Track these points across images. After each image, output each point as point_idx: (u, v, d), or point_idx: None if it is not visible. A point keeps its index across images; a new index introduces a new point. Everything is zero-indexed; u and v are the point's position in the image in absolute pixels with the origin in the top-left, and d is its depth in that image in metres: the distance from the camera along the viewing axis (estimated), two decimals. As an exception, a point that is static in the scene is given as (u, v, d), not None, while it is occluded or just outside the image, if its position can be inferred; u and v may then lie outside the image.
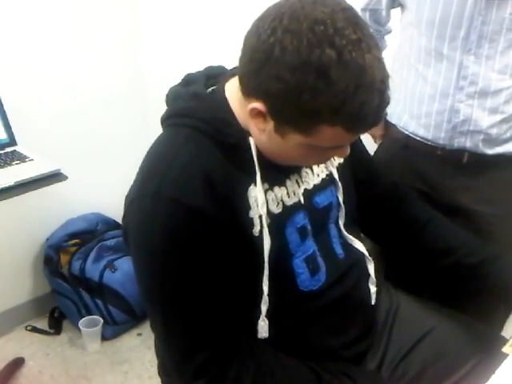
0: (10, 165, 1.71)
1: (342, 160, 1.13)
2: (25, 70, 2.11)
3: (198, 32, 2.32)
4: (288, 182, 1.01)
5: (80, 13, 2.21)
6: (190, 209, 0.88)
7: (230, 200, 0.92)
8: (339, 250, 1.11)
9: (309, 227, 1.04)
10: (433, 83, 1.42)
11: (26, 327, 2.37)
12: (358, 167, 1.18)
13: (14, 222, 2.23)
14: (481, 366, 1.11)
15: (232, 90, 0.94)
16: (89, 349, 2.26)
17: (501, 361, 0.93)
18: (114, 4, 2.33)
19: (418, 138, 1.50)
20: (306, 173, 1.05)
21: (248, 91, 0.87)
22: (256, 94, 0.85)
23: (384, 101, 0.82)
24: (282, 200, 0.99)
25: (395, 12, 1.58)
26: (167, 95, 1.02)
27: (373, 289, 1.17)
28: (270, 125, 0.87)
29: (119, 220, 0.97)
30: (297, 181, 1.03)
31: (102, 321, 2.25)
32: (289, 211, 1.00)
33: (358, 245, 1.14)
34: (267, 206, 0.96)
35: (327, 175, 1.09)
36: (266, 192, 0.96)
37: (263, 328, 1.00)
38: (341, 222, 1.11)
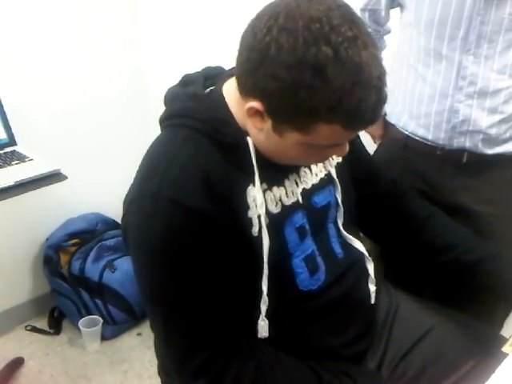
0: (9, 165, 1.71)
1: (340, 159, 1.13)
2: (24, 70, 2.11)
3: (197, 32, 2.32)
4: (287, 182, 1.01)
5: (80, 13, 2.21)
6: (188, 209, 0.88)
7: (228, 200, 0.92)
8: (338, 250, 1.11)
9: (307, 227, 1.04)
10: (432, 83, 1.42)
11: (26, 327, 2.37)
12: (357, 166, 1.18)
13: (13, 222, 2.24)
14: (481, 365, 1.10)
15: (230, 90, 0.94)
16: (88, 348, 2.26)
17: (501, 360, 0.93)
18: (113, 4, 2.33)
19: (417, 138, 1.51)
20: (305, 172, 1.05)
21: (245, 90, 0.87)
22: (253, 93, 0.85)
23: (381, 98, 0.82)
24: (280, 200, 0.99)
25: (394, 12, 1.58)
26: (165, 96, 1.02)
27: (372, 288, 1.17)
28: (268, 124, 0.87)
29: (119, 220, 0.97)
30: (295, 180, 1.03)
31: (102, 320, 2.25)
32: (287, 211, 1.00)
33: (357, 244, 1.14)
34: (266, 206, 0.96)
35: (326, 175, 1.09)
36: (264, 192, 0.96)
37: (263, 328, 1.00)
38: (339, 222, 1.11)
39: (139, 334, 2.35)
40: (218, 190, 0.90)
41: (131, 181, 0.96)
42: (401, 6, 1.50)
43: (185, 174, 0.90)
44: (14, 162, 1.73)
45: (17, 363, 2.15)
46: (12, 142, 1.85)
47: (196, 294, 0.92)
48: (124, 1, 2.37)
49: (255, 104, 0.85)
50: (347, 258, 1.12)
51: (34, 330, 2.36)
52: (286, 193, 1.00)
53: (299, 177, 1.04)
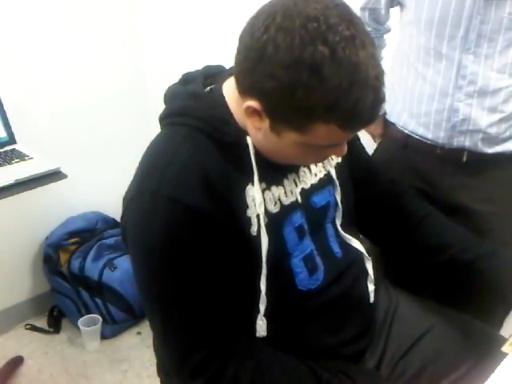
0: (9, 163, 1.71)
1: (339, 159, 1.13)
2: (25, 68, 2.11)
3: (197, 30, 2.32)
4: (286, 182, 1.01)
5: (80, 11, 2.21)
6: (187, 207, 0.88)
7: (227, 199, 0.92)
8: (337, 249, 1.11)
9: (306, 226, 1.04)
10: (432, 82, 1.42)
11: (25, 326, 2.37)
12: (356, 166, 1.18)
13: (13, 221, 2.24)
14: (480, 365, 1.10)
15: (229, 88, 0.94)
16: (88, 347, 2.26)
17: (500, 360, 0.93)
18: (113, 3, 2.33)
19: (417, 137, 1.50)
20: (304, 172, 1.05)
21: (243, 89, 0.87)
22: (251, 92, 0.85)
23: (379, 98, 0.82)
24: (279, 199, 0.99)
25: (394, 11, 1.58)
26: (165, 94, 1.02)
27: (371, 287, 1.17)
28: (266, 123, 0.87)
29: (119, 218, 0.97)
30: (294, 180, 1.03)
31: (102, 319, 2.25)
32: (286, 210, 1.00)
33: (356, 243, 1.14)
34: (265, 206, 0.96)
35: (325, 175, 1.09)
36: (263, 191, 0.96)
37: (261, 327, 1.01)
38: (337, 222, 1.11)
39: (139, 333, 2.35)
40: (217, 188, 0.90)
41: (131, 180, 0.96)
42: (401, 4, 1.50)
43: (184, 173, 0.90)
44: (13, 161, 1.73)
45: (16, 362, 2.15)
46: (12, 140, 1.86)
47: (194, 293, 0.92)
48: (124, 0, 2.37)
49: (253, 103, 0.85)
50: (346, 257, 1.12)
51: (34, 328, 2.36)
52: (285, 192, 1.00)
53: (298, 176, 1.04)
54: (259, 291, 0.97)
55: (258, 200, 0.94)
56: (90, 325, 2.22)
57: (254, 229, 0.95)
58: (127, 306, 2.28)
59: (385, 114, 1.61)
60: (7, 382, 2.06)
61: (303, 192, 1.04)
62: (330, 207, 1.10)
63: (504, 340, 1.07)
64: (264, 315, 1.00)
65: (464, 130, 1.41)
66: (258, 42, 0.80)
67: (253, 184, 0.94)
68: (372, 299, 1.18)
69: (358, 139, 1.21)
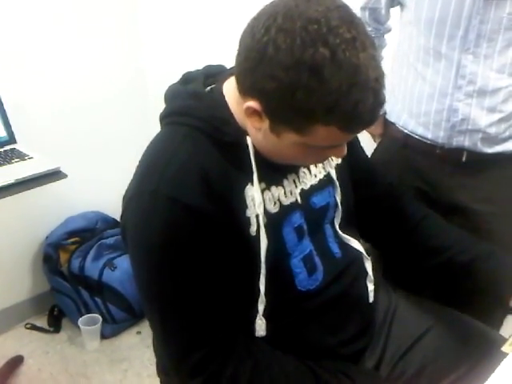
0: (9, 163, 1.72)
1: (339, 160, 1.13)
2: (25, 68, 2.11)
3: (198, 30, 2.32)
4: (285, 182, 1.01)
5: (80, 11, 2.21)
6: (187, 207, 0.88)
7: (227, 199, 0.92)
8: (336, 249, 1.11)
9: (305, 227, 1.04)
10: (431, 82, 1.42)
11: (26, 325, 2.37)
12: (355, 168, 1.18)
13: (13, 220, 2.24)
14: (480, 365, 1.10)
15: (230, 89, 0.94)
16: (88, 347, 2.26)
17: (500, 360, 0.93)
18: (114, 2, 2.33)
19: (416, 137, 1.51)
20: (304, 173, 1.05)
21: (244, 90, 0.87)
22: (251, 93, 0.85)
23: (379, 100, 0.82)
24: (279, 199, 0.99)
25: (395, 11, 1.58)
26: (166, 93, 1.02)
27: (370, 287, 1.17)
28: (266, 124, 0.87)
29: (119, 218, 0.97)
30: (294, 181, 1.03)
31: (102, 319, 2.25)
32: (286, 211, 1.00)
33: (355, 243, 1.14)
34: (264, 206, 0.96)
35: (325, 176, 1.09)
36: (263, 191, 0.96)
37: (260, 327, 1.01)
38: (336, 223, 1.11)
39: (139, 333, 2.35)
40: (216, 188, 0.90)
41: (131, 179, 0.96)
42: (401, 4, 1.51)
43: (183, 172, 0.90)
44: (13, 160, 1.73)
45: (16, 361, 2.16)
46: (12, 140, 1.86)
47: (193, 292, 0.92)
48: (124, 0, 2.37)
49: (253, 104, 0.85)
50: (345, 257, 1.12)
51: (34, 328, 2.36)
52: (285, 193, 1.00)
53: (298, 177, 1.04)
54: (258, 291, 0.97)
55: (258, 200, 0.94)
56: (89, 324, 2.23)
57: (253, 229, 0.95)
58: (127, 305, 2.28)
59: (385, 113, 1.61)
60: (7, 382, 2.06)
61: (303, 192, 1.04)
62: (329, 208, 1.10)
63: (504, 340, 1.07)
64: (263, 315, 1.00)
65: (463, 130, 1.41)
66: (259, 43, 0.80)
67: (252, 184, 0.94)
68: (371, 299, 1.18)
69: (358, 141, 1.21)
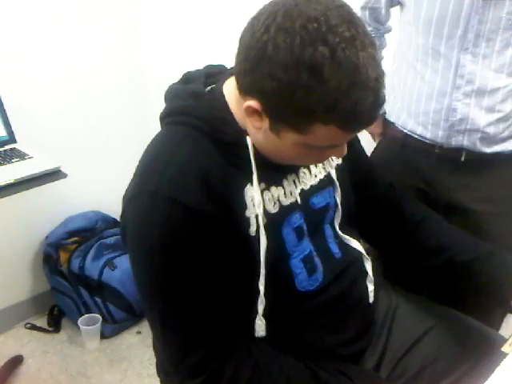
0: (9, 162, 1.72)
1: (340, 161, 1.12)
2: (25, 67, 2.11)
3: (198, 29, 2.32)
4: (285, 182, 1.01)
5: (80, 10, 2.21)
6: (186, 207, 0.88)
7: (226, 199, 0.92)
8: (335, 250, 1.11)
9: (305, 227, 1.04)
10: (430, 82, 1.42)
11: (25, 325, 2.37)
12: (355, 168, 1.18)
13: (13, 220, 2.24)
14: (480, 365, 1.10)
15: (230, 88, 0.94)
16: (88, 347, 2.26)
17: (500, 360, 0.93)
18: (114, 2, 2.33)
19: (416, 136, 1.51)
20: (304, 173, 1.05)
21: (243, 89, 0.87)
22: (251, 92, 0.85)
23: (378, 99, 0.82)
24: (278, 200, 0.99)
25: (395, 11, 1.58)
26: (166, 93, 1.02)
27: (370, 287, 1.17)
28: (266, 123, 0.87)
29: (119, 218, 0.97)
30: (294, 181, 1.03)
31: (101, 319, 2.25)
32: (285, 211, 1.00)
33: (355, 244, 1.14)
34: (264, 206, 0.96)
35: (325, 176, 1.09)
36: (262, 192, 0.96)
37: (260, 327, 1.01)
38: (336, 223, 1.11)
39: (139, 333, 2.35)
40: (216, 188, 0.90)
41: (131, 179, 0.96)
42: (400, 4, 1.51)
43: (183, 172, 0.90)
44: (13, 160, 1.73)
45: (16, 361, 2.16)
46: (12, 139, 1.86)
47: (193, 292, 0.92)
48: (124, 0, 2.37)
49: (253, 103, 0.85)
50: (345, 257, 1.12)
51: (34, 328, 2.36)
52: (285, 193, 1.00)
53: (298, 177, 1.04)
54: (258, 291, 0.97)
55: (257, 200, 0.94)
56: (89, 324, 2.23)
57: (252, 229, 0.95)
58: (127, 305, 2.28)
59: (384, 113, 1.61)
60: (7, 381, 2.07)
61: (302, 193, 1.03)
62: (329, 208, 1.10)
63: (504, 340, 1.07)
64: (263, 315, 1.00)
65: (462, 130, 1.41)
66: (259, 42, 0.80)
67: (252, 184, 0.94)
68: (371, 299, 1.18)
69: (358, 141, 1.21)
